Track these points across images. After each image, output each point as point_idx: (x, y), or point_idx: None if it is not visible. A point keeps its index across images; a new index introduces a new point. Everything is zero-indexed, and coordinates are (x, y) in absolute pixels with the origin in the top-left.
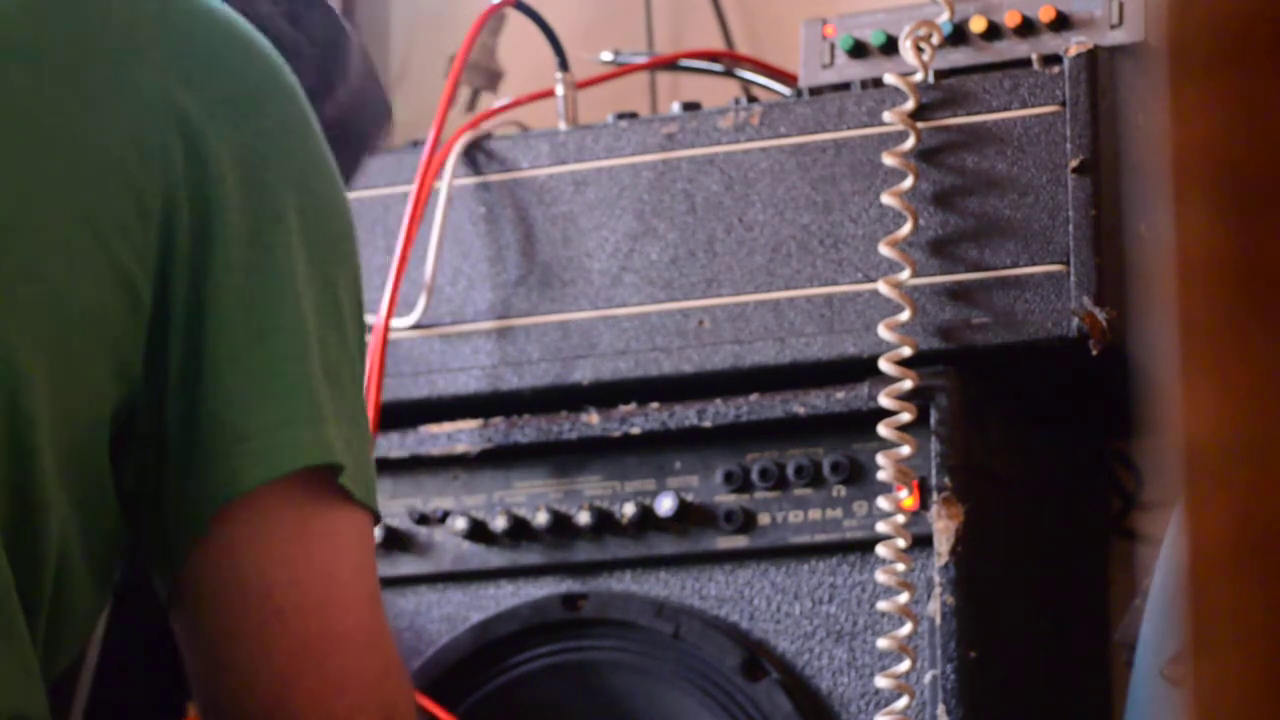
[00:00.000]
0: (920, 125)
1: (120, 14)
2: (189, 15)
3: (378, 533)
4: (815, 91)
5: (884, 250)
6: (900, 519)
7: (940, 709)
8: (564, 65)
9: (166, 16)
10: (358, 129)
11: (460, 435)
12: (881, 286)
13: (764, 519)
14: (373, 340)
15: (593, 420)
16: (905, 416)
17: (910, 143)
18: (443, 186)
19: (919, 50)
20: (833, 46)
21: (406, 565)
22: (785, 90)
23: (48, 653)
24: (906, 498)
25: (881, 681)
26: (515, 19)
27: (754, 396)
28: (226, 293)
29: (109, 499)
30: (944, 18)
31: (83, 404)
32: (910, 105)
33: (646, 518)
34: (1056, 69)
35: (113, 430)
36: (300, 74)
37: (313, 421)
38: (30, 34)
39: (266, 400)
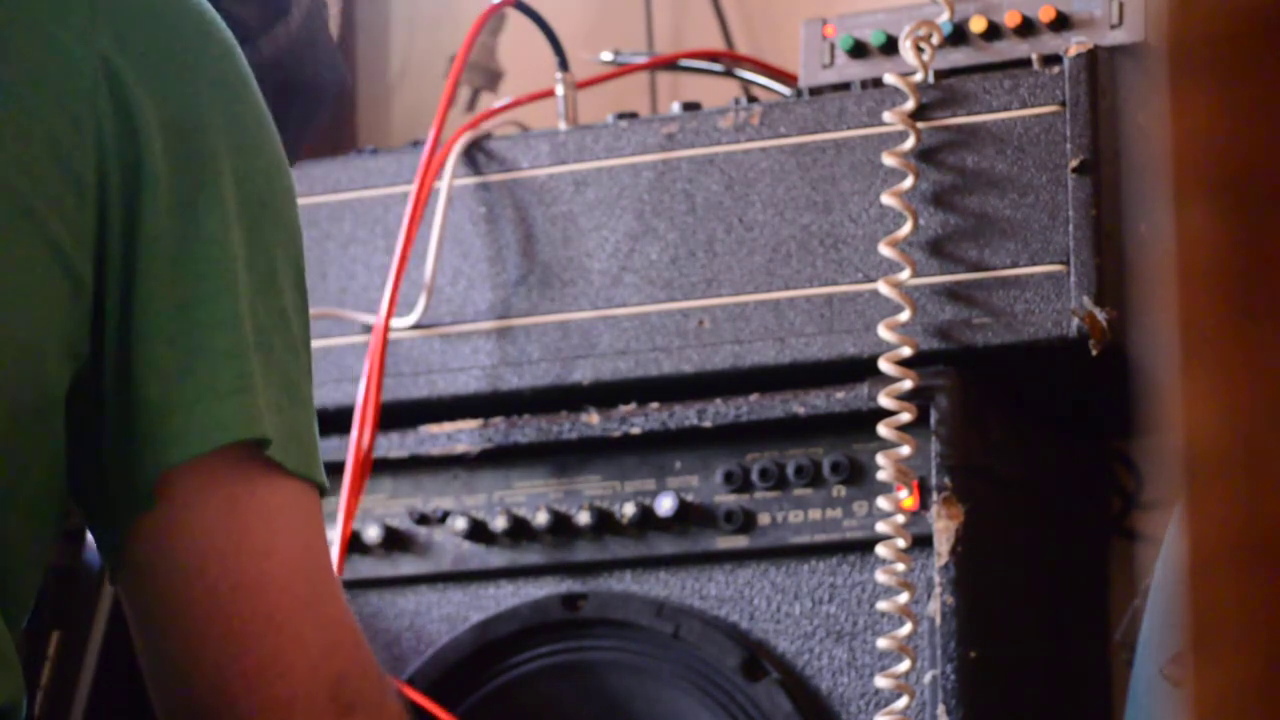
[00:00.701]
0: (920, 125)
1: None
2: None
3: (377, 532)
4: (815, 91)
5: (884, 250)
6: (900, 519)
7: (940, 709)
8: (564, 65)
9: None
10: (301, 77)
11: (460, 435)
12: (881, 286)
13: (764, 519)
14: (373, 340)
15: (593, 420)
16: (905, 416)
17: (910, 143)
18: (443, 186)
19: (919, 50)
20: (833, 46)
21: (406, 565)
22: (785, 90)
23: None
24: (906, 498)
25: (881, 681)
26: (515, 19)
27: (754, 396)
28: (154, 263)
29: (53, 480)
30: (944, 18)
31: (27, 389)
32: (910, 105)
33: (646, 518)
34: (1056, 69)
35: (69, 410)
36: (240, 6)
37: (239, 393)
38: None
39: (191, 373)
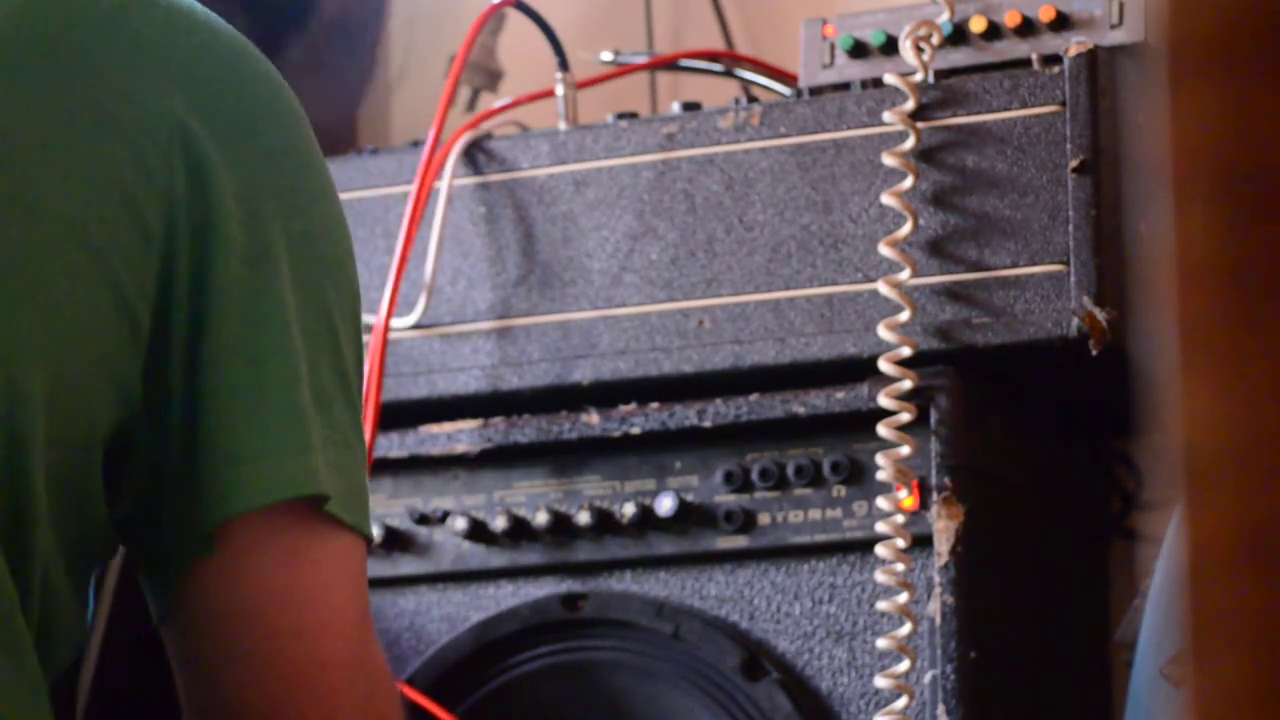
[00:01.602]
0: (920, 125)
1: (125, 29)
2: (194, 31)
3: (377, 532)
4: (815, 91)
5: (884, 250)
6: (900, 519)
7: (940, 709)
8: (564, 65)
9: (172, 32)
10: (360, 20)
11: (460, 435)
12: (881, 286)
13: (764, 519)
14: (373, 340)
15: (593, 420)
16: (905, 416)
17: (910, 143)
18: (443, 186)
19: (919, 50)
20: (833, 46)
21: (406, 565)
22: (785, 90)
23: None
24: (906, 498)
25: (881, 681)
26: (515, 19)
27: (754, 396)
28: (224, 318)
29: (94, 519)
30: (944, 18)
31: (77, 426)
32: (910, 105)
33: (646, 518)
34: (1056, 69)
35: (107, 451)
36: None
37: (300, 451)
38: (32, 48)
39: (257, 428)
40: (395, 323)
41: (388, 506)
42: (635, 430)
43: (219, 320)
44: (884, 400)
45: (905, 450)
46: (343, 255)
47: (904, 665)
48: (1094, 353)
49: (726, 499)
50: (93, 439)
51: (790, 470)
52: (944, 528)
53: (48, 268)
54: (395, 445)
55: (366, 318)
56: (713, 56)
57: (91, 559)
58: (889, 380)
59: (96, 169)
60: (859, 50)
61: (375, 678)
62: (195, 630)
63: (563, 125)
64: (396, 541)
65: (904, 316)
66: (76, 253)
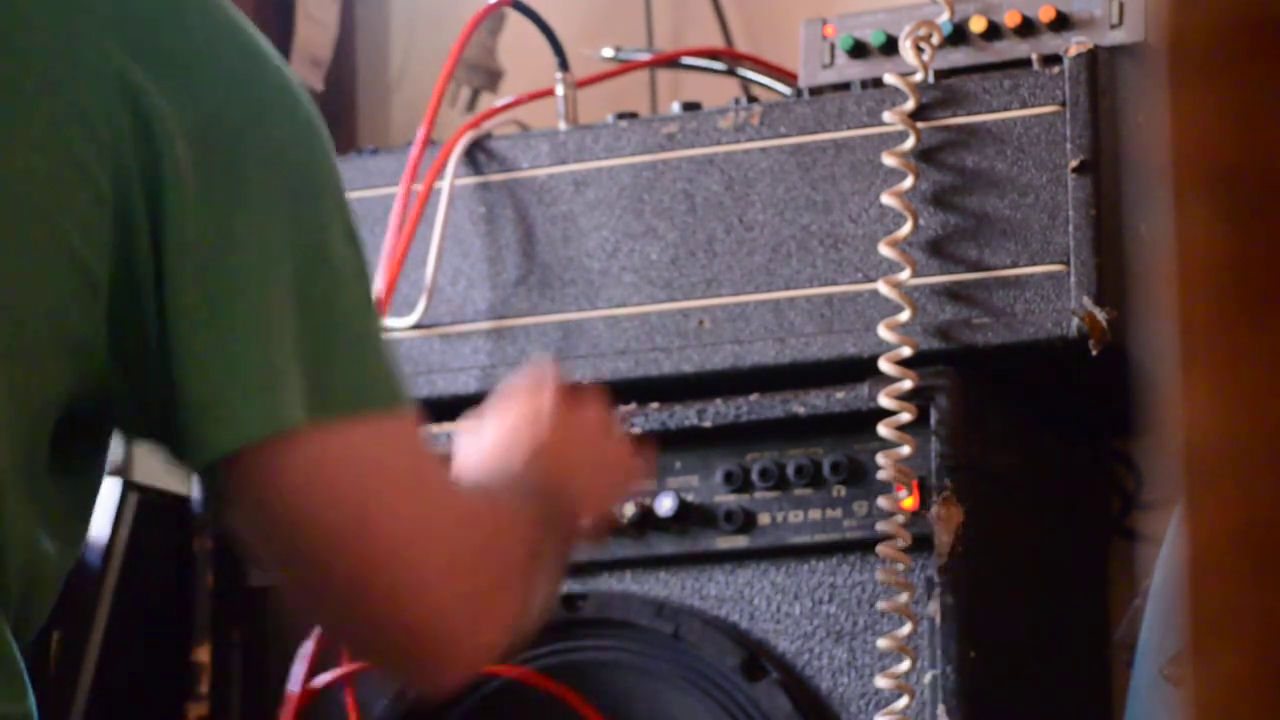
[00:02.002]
0: (920, 125)
1: None
2: None
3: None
4: (815, 91)
5: (884, 250)
6: (900, 519)
7: (940, 709)
8: (564, 65)
9: None
10: None
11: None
12: (881, 286)
13: (764, 519)
14: None
15: None
16: (905, 416)
17: (910, 143)
18: (443, 186)
19: (919, 50)
20: (833, 46)
21: None
22: (786, 90)
23: (19, 632)
24: (906, 498)
25: (881, 681)
26: (515, 18)
27: (754, 396)
28: (185, 262)
29: (67, 474)
30: (944, 18)
31: (35, 390)
32: (910, 105)
33: (646, 518)
34: (1056, 69)
35: (77, 415)
36: None
37: (268, 389)
38: None
39: (225, 370)
40: (395, 322)
41: None
42: (635, 430)
43: (180, 266)
44: (884, 400)
45: (905, 450)
46: (318, 162)
47: (904, 665)
48: (1094, 353)
49: (726, 499)
50: (49, 401)
51: (790, 470)
52: (944, 528)
53: (3, 244)
54: None
55: None
56: (713, 55)
57: (75, 518)
58: (889, 380)
59: (42, 134)
60: (859, 50)
61: (453, 534)
62: (245, 533)
63: (563, 125)
64: None
65: (904, 316)
66: (29, 223)
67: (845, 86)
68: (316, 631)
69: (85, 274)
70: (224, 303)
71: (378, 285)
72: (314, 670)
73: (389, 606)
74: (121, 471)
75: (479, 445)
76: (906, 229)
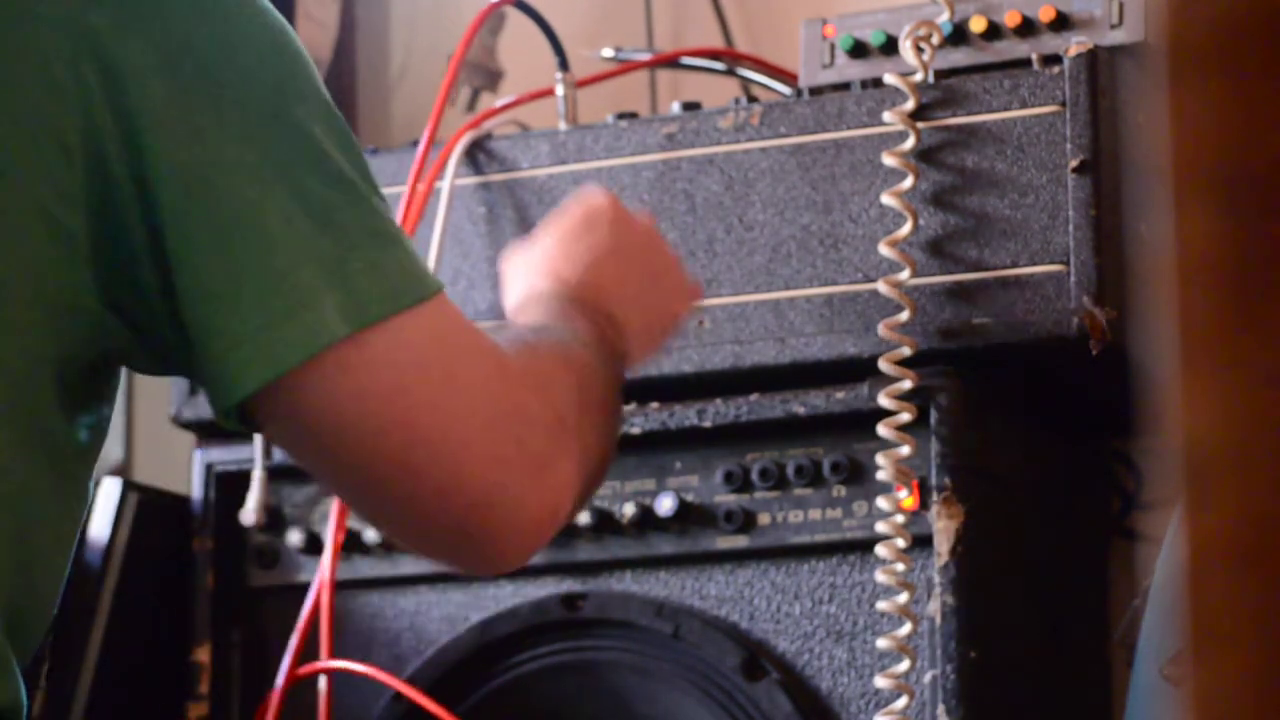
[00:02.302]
0: (920, 125)
1: None
2: None
3: (378, 532)
4: (815, 91)
5: (884, 250)
6: (900, 519)
7: (940, 709)
8: (564, 65)
9: None
10: None
11: None
12: (881, 286)
13: (764, 519)
14: None
15: None
16: (905, 416)
17: (910, 143)
18: (444, 186)
19: (919, 50)
20: (833, 46)
21: (406, 565)
22: (786, 90)
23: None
24: (906, 498)
25: (881, 681)
26: (515, 18)
27: (754, 396)
28: (176, 205)
29: (61, 431)
30: (944, 18)
31: (19, 354)
32: (910, 105)
33: (646, 518)
34: (1056, 69)
35: (81, 360)
36: None
37: (294, 312)
38: None
39: (244, 305)
40: None
41: None
42: (635, 430)
43: (172, 210)
44: (884, 400)
45: (905, 450)
46: (294, 72)
47: (904, 665)
48: (1094, 353)
49: (726, 499)
50: (37, 363)
51: (790, 470)
52: (944, 528)
53: None
54: None
55: None
56: (713, 55)
57: (76, 479)
58: (889, 380)
59: (5, 95)
60: (859, 50)
61: (498, 410)
62: (290, 452)
63: (563, 125)
64: None
65: (904, 316)
66: (2, 192)
67: (845, 86)
68: (300, 626)
69: (63, 233)
70: (228, 231)
71: None
72: (298, 663)
73: (445, 491)
74: (121, 471)
75: (530, 261)
76: (906, 229)
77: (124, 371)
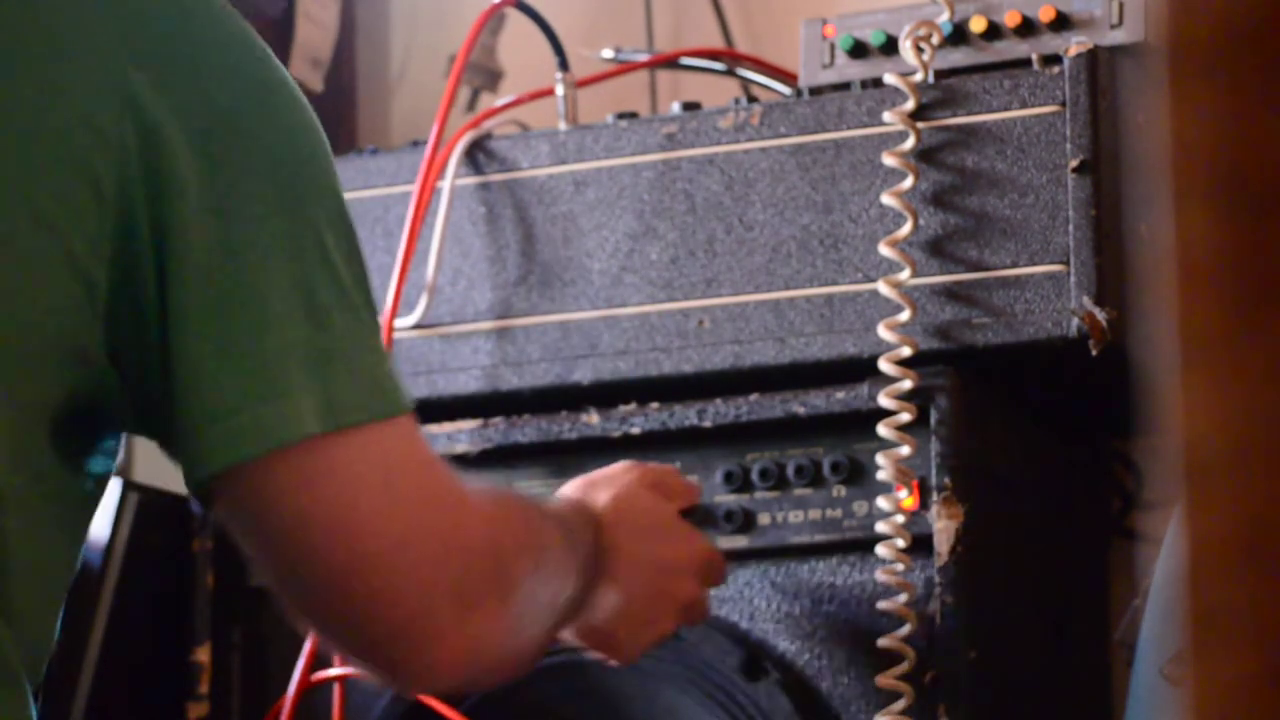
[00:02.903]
0: (920, 125)
1: None
2: None
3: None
4: (815, 91)
5: (884, 250)
6: (900, 519)
7: (940, 709)
8: (564, 65)
9: None
10: None
11: (460, 435)
12: (881, 286)
13: (764, 519)
14: None
15: (593, 420)
16: (905, 416)
17: (910, 143)
18: (444, 186)
19: (919, 50)
20: (833, 46)
21: None
22: (785, 90)
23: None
24: (906, 498)
25: (881, 681)
26: (515, 18)
27: (754, 396)
28: (188, 272)
29: (66, 479)
30: (944, 18)
31: (33, 394)
32: (910, 105)
33: None
34: (1056, 69)
35: (76, 415)
36: None
37: (275, 398)
38: None
39: (229, 381)
40: (396, 323)
41: None
42: (635, 430)
43: (183, 275)
44: (884, 400)
45: (905, 450)
46: (318, 167)
47: (904, 665)
48: (1094, 353)
49: (726, 499)
50: (45, 403)
51: (790, 470)
52: (944, 528)
53: (6, 251)
54: None
55: None
56: (714, 55)
57: (75, 517)
58: (889, 380)
59: (52, 142)
60: (859, 50)
61: (442, 543)
62: (237, 535)
63: (563, 125)
64: None
65: (904, 316)
66: (30, 229)
67: (845, 86)
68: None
69: (86, 281)
70: (228, 304)
71: (388, 286)
72: (312, 668)
73: (372, 609)
74: (121, 471)
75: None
76: (906, 229)
77: None
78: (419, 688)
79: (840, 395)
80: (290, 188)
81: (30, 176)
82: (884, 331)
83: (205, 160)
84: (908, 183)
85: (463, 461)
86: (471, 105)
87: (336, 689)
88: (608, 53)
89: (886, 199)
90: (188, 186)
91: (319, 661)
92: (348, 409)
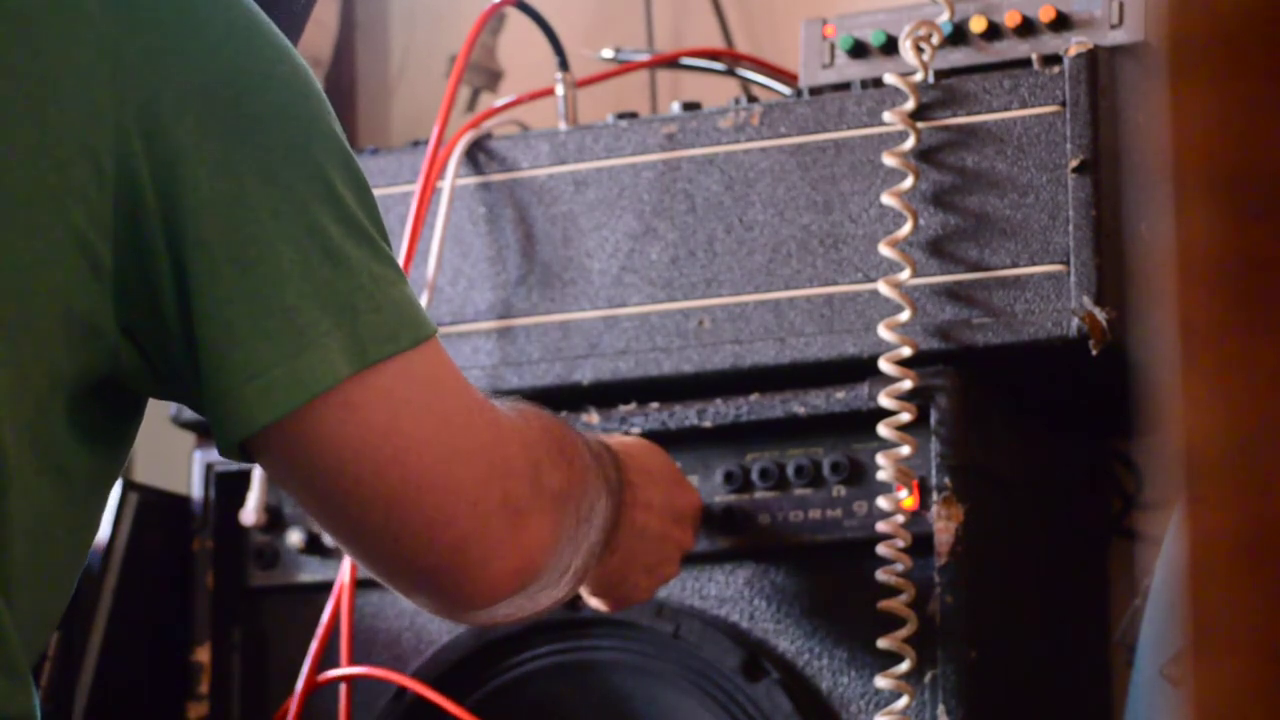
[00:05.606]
0: (920, 125)
1: None
2: None
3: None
4: (815, 91)
5: (884, 250)
6: (900, 519)
7: (940, 709)
8: (564, 65)
9: None
10: None
11: None
12: (881, 286)
13: (764, 519)
14: None
15: (593, 420)
16: (905, 416)
17: (910, 143)
18: (445, 186)
19: (919, 50)
20: (833, 46)
21: None
22: (786, 90)
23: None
24: (906, 498)
25: (881, 681)
26: (515, 18)
27: (754, 396)
28: (201, 236)
29: (79, 459)
30: (944, 18)
31: (42, 369)
32: (910, 105)
33: None
34: (1056, 69)
35: (95, 384)
36: None
37: (302, 350)
38: None
39: (256, 341)
40: None
41: None
42: (635, 430)
43: (197, 240)
44: (884, 400)
45: (905, 450)
46: (317, 106)
47: (904, 665)
48: (1094, 353)
49: (726, 499)
50: (55, 383)
51: (790, 470)
52: (944, 528)
53: (10, 224)
54: None
55: None
56: (714, 55)
57: (89, 497)
58: (889, 380)
59: (50, 116)
60: (859, 50)
61: (486, 461)
62: (283, 483)
63: (563, 125)
64: None
65: (904, 316)
66: (38, 208)
67: (845, 86)
68: (320, 633)
69: (90, 255)
70: (247, 263)
71: None
72: (317, 669)
73: (429, 532)
74: (121, 471)
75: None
76: (906, 229)
77: None
78: (482, 605)
79: (840, 395)
80: (295, 136)
81: (32, 153)
82: (884, 331)
83: (209, 122)
84: (908, 183)
85: None
86: (471, 105)
87: (343, 689)
88: (608, 53)
89: (886, 199)
90: (193, 150)
91: (324, 662)
92: (379, 342)
